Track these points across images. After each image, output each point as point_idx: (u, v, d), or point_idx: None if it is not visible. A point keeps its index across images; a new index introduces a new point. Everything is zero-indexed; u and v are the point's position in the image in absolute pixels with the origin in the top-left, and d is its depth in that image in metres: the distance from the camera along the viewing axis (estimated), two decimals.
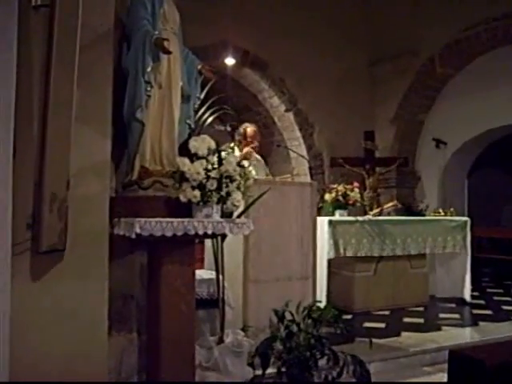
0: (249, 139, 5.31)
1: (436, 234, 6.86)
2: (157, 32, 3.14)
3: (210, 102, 3.83)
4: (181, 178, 3.00)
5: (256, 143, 5.39)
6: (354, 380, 3.41)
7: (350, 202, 6.52)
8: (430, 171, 9.10)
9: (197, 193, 2.95)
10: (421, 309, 6.69)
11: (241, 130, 5.38)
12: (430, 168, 9.08)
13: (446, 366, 3.27)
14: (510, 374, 2.57)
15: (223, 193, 3.03)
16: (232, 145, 4.65)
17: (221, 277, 3.76)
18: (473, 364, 2.61)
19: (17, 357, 2.54)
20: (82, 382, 2.78)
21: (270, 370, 3.50)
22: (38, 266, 2.68)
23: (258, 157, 5.55)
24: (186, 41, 3.52)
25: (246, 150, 5.23)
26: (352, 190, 6.57)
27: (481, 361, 2.58)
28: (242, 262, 4.26)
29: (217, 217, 3.05)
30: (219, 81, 3.90)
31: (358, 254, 6.26)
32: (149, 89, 3.10)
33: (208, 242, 4.48)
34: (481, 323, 5.86)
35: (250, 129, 5.36)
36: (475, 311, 6.55)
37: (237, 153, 4.88)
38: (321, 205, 6.34)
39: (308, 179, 8.19)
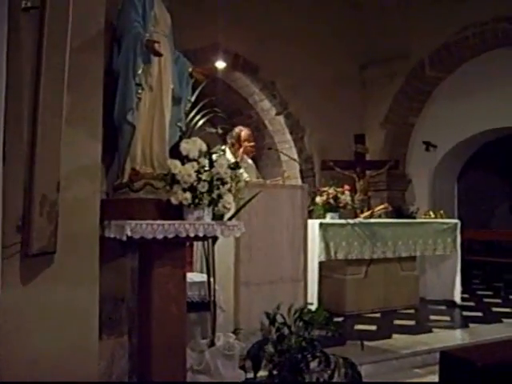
0: (243, 142, 5.31)
1: (426, 236, 6.88)
2: (148, 34, 3.14)
3: (200, 104, 3.83)
4: (172, 180, 3.00)
5: (252, 144, 5.40)
6: (345, 382, 3.41)
7: (341, 205, 6.52)
8: (421, 174, 9.13)
9: (188, 195, 2.94)
10: (411, 311, 6.71)
11: (235, 132, 5.38)
12: (421, 171, 9.12)
13: (436, 367, 3.27)
14: (501, 374, 2.58)
15: (214, 195, 3.03)
16: (224, 147, 4.64)
17: (212, 279, 3.75)
18: (464, 365, 2.62)
19: (6, 360, 2.52)
20: (73, 383, 2.77)
21: (262, 373, 3.50)
22: (27, 268, 2.67)
23: (250, 161, 5.55)
24: (177, 44, 3.52)
25: (240, 151, 5.23)
26: (343, 193, 6.57)
27: (472, 362, 2.59)
28: (233, 265, 4.26)
29: (208, 219, 3.05)
30: (210, 84, 3.90)
31: (349, 257, 6.27)
32: (140, 91, 3.10)
33: (198, 245, 4.48)
34: (471, 325, 5.89)
35: (244, 132, 5.36)
36: (465, 313, 6.57)
37: (229, 155, 4.88)
38: (312, 207, 6.34)
39: (299, 182, 8.21)
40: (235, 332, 3.88)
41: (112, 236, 2.93)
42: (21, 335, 2.64)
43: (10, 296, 2.57)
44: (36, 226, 2.61)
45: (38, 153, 2.60)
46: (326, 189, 6.63)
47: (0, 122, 2.47)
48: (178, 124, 3.42)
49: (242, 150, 5.30)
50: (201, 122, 3.81)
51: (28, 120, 2.64)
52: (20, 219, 2.64)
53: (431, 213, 7.44)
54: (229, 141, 5.39)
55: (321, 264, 5.98)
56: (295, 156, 8.73)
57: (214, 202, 3.04)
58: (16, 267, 2.64)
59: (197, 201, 2.97)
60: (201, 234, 2.99)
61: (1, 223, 2.49)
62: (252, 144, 5.41)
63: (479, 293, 8.27)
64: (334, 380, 3.45)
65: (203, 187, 2.97)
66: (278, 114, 8.91)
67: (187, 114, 3.60)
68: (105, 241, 2.98)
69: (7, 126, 2.52)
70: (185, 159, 3.06)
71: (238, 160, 4.97)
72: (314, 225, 5.89)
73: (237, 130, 5.42)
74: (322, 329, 3.72)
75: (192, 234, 2.94)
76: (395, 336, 5.34)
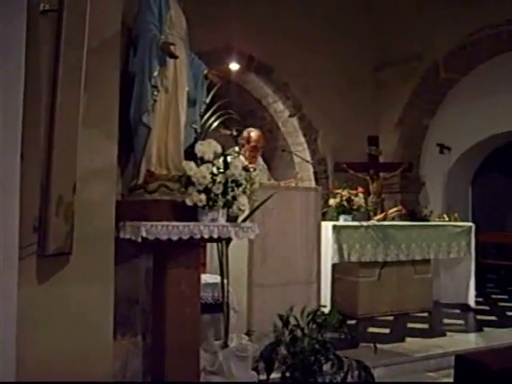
0: (253, 144, 5.27)
1: (440, 239, 6.85)
2: (163, 36, 3.16)
3: (215, 106, 3.84)
4: (187, 181, 3.00)
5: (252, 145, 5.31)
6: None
7: (355, 207, 6.51)
8: (434, 176, 9.08)
9: (203, 197, 2.95)
10: (425, 314, 6.68)
11: (245, 134, 5.35)
12: (434, 173, 9.07)
13: (450, 371, 3.27)
14: None
15: (229, 197, 3.03)
16: (237, 149, 4.63)
17: (225, 281, 3.76)
18: (479, 369, 2.60)
19: (23, 359, 2.54)
20: (87, 382, 2.79)
21: (275, 375, 3.50)
22: (44, 269, 2.70)
23: (262, 162, 5.54)
24: (192, 46, 3.53)
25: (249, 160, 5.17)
26: (356, 195, 6.56)
27: (487, 365, 2.57)
28: (246, 267, 4.26)
29: (222, 221, 3.05)
30: (224, 86, 3.91)
31: (362, 259, 6.25)
32: (155, 93, 3.11)
33: (210, 247, 4.49)
34: (485, 329, 5.85)
35: (254, 133, 5.31)
36: (480, 317, 6.54)
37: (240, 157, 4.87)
38: (325, 210, 6.33)
39: (312, 184, 8.20)
40: (248, 333, 3.88)
41: (127, 237, 2.94)
42: (36, 334, 2.67)
43: (26, 295, 2.60)
44: (52, 226, 2.63)
45: (54, 154, 2.63)
46: (339, 191, 6.63)
47: (18, 122, 2.50)
48: (193, 126, 3.43)
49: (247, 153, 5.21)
50: (215, 124, 3.82)
51: (45, 121, 2.67)
52: (36, 220, 2.66)
53: (445, 216, 7.41)
54: (239, 142, 5.36)
55: (334, 266, 5.97)
56: (308, 158, 8.72)
57: (228, 204, 3.05)
58: (32, 267, 2.67)
59: (211, 202, 2.98)
60: (215, 236, 2.99)
61: (18, 223, 2.52)
62: (253, 145, 5.30)
63: (494, 296, 8.21)
64: (347, 382, 3.44)
65: (218, 189, 2.98)
66: (291, 115, 8.91)
67: (202, 116, 3.61)
68: (120, 242, 3.00)
69: (25, 126, 2.55)
70: (199, 161, 3.07)
71: (252, 161, 4.99)
72: (327, 227, 5.88)
73: (246, 131, 5.37)
74: (335, 331, 3.71)
75: (206, 236, 2.95)
76: (408, 339, 5.32)
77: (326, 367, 3.50)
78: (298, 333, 3.59)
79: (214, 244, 3.92)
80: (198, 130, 3.50)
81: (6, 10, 2.45)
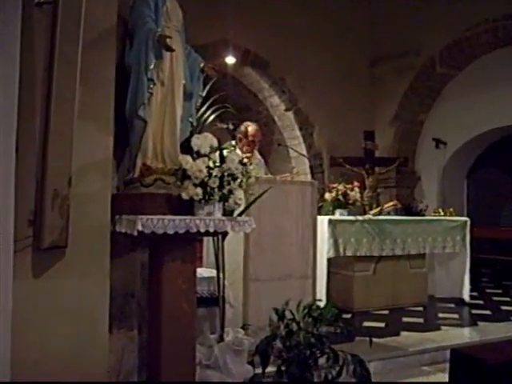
0: (250, 138, 5.27)
1: (436, 234, 6.86)
2: (160, 29, 3.14)
3: (211, 100, 3.83)
4: (183, 175, 3.00)
5: (251, 140, 5.32)
6: (353, 379, 3.41)
7: (350, 202, 6.51)
8: (430, 171, 9.11)
9: (199, 190, 2.94)
10: (420, 308, 6.70)
11: (242, 128, 5.35)
12: (430, 168, 9.10)
13: (445, 365, 3.28)
14: (510, 373, 2.57)
15: (225, 191, 3.03)
16: (233, 143, 4.63)
17: (221, 275, 3.76)
18: (474, 363, 2.61)
19: (18, 353, 2.54)
20: (83, 382, 2.78)
21: (270, 369, 3.50)
22: (39, 262, 2.69)
23: (259, 156, 5.54)
24: (188, 39, 3.52)
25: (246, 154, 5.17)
26: (352, 190, 6.56)
27: (482, 360, 2.58)
28: (242, 261, 4.27)
29: (218, 215, 3.05)
30: (220, 79, 3.90)
31: (358, 254, 6.26)
32: (151, 86, 3.09)
33: (206, 240, 4.48)
34: (480, 323, 5.87)
35: (251, 127, 5.31)
36: (474, 311, 6.56)
37: (237, 151, 4.87)
38: (321, 204, 6.32)
39: (308, 178, 8.20)
40: (244, 327, 3.89)
41: (123, 231, 2.93)
42: (32, 328, 2.66)
43: (21, 289, 2.59)
44: (47, 220, 2.62)
45: (50, 147, 2.62)
46: (335, 185, 6.62)
47: (13, 116, 2.49)
48: (189, 119, 3.42)
49: (244, 147, 5.22)
50: (211, 118, 3.81)
51: (41, 115, 2.65)
52: (32, 213, 2.65)
53: (440, 210, 7.42)
54: (236, 136, 5.36)
55: (329, 260, 5.98)
56: (304, 152, 8.72)
57: (224, 198, 3.04)
58: (28, 261, 2.66)
59: (207, 196, 2.97)
60: (211, 230, 2.99)
61: (13, 217, 2.51)
62: (251, 139, 5.31)
63: (488, 291, 8.24)
64: (343, 376, 3.45)
65: (214, 183, 2.97)
66: (287, 109, 8.91)
67: (198, 110, 3.60)
68: (115, 235, 3.00)
69: (20, 120, 2.53)
70: (195, 154, 3.06)
71: (249, 155, 4.97)
72: (323, 221, 5.88)
73: (243, 126, 5.37)
74: (331, 325, 3.72)
75: (203, 230, 2.94)
76: (403, 333, 5.33)
77: (322, 361, 3.50)
78: (294, 327, 3.60)
79: (210, 238, 3.92)
80: (194, 124, 3.49)
81: (1, 2, 2.44)
